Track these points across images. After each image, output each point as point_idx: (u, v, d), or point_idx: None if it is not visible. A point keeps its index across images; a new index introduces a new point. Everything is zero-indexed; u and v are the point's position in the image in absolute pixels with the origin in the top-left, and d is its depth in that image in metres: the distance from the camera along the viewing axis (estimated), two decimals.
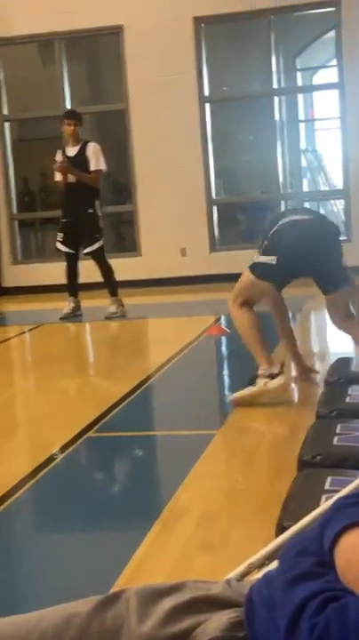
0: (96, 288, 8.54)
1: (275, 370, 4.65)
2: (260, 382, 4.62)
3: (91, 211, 8.14)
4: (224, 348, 6.45)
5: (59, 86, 10.87)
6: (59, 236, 8.42)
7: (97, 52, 12.48)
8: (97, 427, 4.43)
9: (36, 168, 12.63)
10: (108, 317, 8.21)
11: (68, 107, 10.59)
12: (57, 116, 10.81)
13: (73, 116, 8.45)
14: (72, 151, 8.26)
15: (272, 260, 4.59)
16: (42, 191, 13.11)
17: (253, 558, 1.67)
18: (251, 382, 4.69)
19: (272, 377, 4.65)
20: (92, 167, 8.13)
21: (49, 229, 12.65)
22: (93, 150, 8.19)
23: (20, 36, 10.76)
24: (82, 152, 8.19)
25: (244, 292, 4.74)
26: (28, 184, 12.70)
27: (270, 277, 4.68)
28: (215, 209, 10.68)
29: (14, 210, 11.27)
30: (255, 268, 4.67)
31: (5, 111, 11.08)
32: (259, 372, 4.67)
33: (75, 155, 8.20)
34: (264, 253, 4.64)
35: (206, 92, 10.53)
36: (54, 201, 12.54)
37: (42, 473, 3.74)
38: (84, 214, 8.14)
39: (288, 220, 4.69)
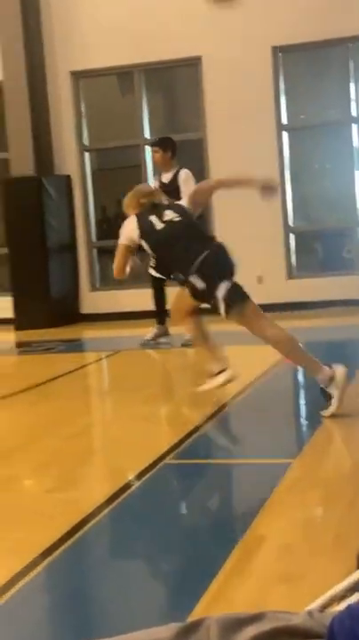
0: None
1: (330, 371, 4.77)
2: (334, 391, 4.81)
3: None
4: (300, 376, 6.39)
5: (137, 116, 11.02)
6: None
7: (175, 81, 12.61)
8: (174, 453, 4.44)
9: (114, 196, 12.77)
10: (185, 344, 8.22)
11: (147, 136, 10.73)
12: (135, 146, 11.01)
13: (156, 143, 8.54)
14: (166, 178, 8.34)
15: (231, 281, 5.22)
16: (119, 219, 13.26)
17: (335, 590, 1.64)
18: (328, 397, 4.83)
19: (333, 379, 4.84)
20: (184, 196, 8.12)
21: None
22: (184, 178, 8.21)
23: (100, 69, 10.96)
24: (175, 179, 8.24)
25: (260, 315, 5.31)
26: (106, 212, 12.86)
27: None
28: (292, 237, 10.66)
29: (93, 238, 11.42)
30: (238, 298, 5.26)
31: (85, 141, 11.27)
32: (322, 383, 4.80)
33: (169, 182, 8.26)
34: (220, 283, 5.19)
35: (284, 121, 10.54)
36: None
37: (119, 499, 3.76)
38: None
39: (203, 256, 5.30)
